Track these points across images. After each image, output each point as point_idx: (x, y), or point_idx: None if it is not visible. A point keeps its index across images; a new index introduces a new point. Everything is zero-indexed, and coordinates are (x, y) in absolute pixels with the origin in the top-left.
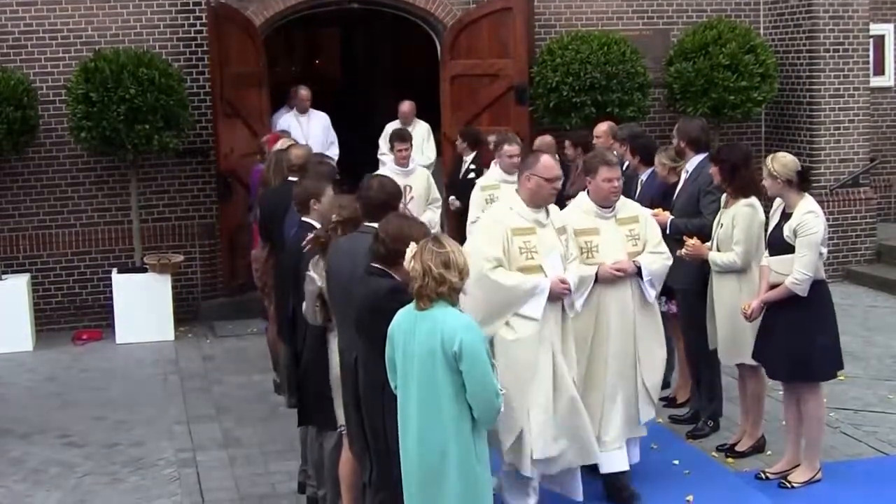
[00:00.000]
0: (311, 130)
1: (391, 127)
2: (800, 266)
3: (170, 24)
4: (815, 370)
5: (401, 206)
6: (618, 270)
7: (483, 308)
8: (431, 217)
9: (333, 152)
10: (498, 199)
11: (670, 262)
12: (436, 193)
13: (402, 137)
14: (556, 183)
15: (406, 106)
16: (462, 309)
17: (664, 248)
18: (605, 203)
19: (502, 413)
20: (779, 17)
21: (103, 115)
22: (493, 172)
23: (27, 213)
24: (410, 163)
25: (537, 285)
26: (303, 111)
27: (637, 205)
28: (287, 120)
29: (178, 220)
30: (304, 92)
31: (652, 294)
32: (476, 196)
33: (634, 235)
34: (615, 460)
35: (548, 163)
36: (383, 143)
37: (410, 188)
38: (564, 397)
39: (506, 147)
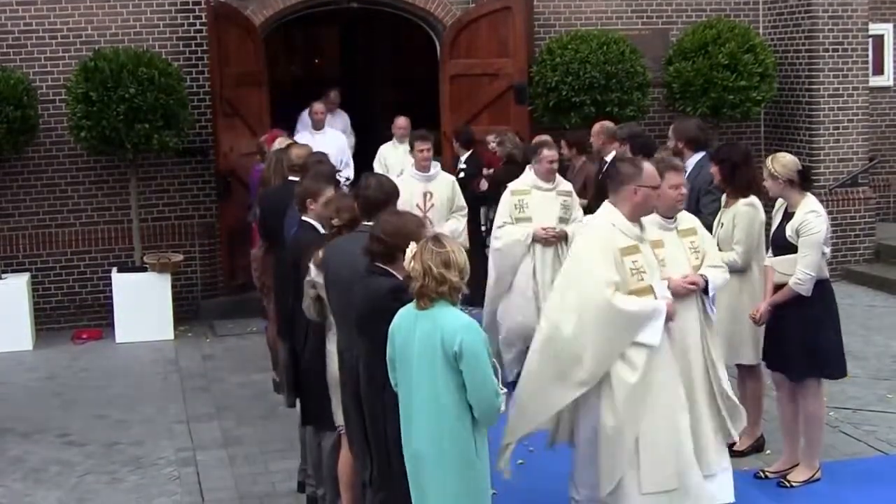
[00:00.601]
0: (324, 149)
1: (385, 149)
2: (802, 266)
3: (169, 24)
4: (822, 368)
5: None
6: (690, 284)
7: (605, 342)
8: (455, 226)
9: (346, 174)
10: (528, 206)
11: (728, 276)
12: (461, 201)
13: (423, 137)
14: (660, 190)
15: (402, 121)
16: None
17: (720, 261)
18: (670, 213)
19: (607, 450)
20: (778, 17)
21: (103, 114)
22: (526, 177)
23: (27, 212)
24: (433, 167)
25: (655, 308)
26: (318, 127)
27: (691, 216)
28: (304, 136)
29: (178, 220)
30: (318, 105)
31: (714, 311)
32: (505, 200)
33: (695, 248)
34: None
35: (651, 170)
36: (378, 165)
37: (431, 195)
38: (683, 428)
39: (545, 152)
